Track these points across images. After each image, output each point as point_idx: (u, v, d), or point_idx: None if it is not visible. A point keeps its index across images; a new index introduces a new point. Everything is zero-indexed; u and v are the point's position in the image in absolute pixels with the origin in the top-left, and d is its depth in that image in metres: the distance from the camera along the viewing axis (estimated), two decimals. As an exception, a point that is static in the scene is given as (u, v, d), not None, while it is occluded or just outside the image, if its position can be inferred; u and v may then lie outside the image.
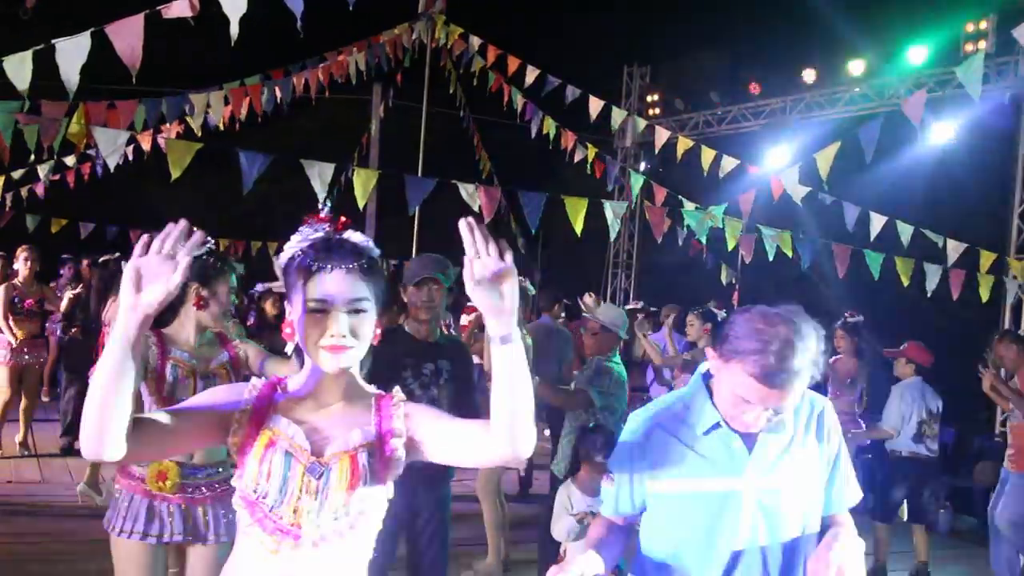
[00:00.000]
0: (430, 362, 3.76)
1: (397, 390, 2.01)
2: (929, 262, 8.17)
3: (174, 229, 1.64)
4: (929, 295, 8.13)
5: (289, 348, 1.95)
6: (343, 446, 1.87)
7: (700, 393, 2.13)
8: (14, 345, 7.65)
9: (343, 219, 1.91)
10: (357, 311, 1.84)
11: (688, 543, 2.08)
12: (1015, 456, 6.00)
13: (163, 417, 1.79)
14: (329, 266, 1.83)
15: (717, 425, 2.07)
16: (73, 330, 8.07)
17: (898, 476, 6.42)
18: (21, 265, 7.86)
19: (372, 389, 2.00)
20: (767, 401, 1.97)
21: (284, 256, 1.91)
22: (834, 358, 7.11)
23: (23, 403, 7.83)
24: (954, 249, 8.32)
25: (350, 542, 1.87)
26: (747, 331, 1.99)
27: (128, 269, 1.60)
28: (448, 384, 3.80)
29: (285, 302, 1.95)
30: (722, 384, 2.06)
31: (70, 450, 7.67)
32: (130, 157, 9.31)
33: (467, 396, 3.92)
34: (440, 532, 3.89)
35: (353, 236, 1.90)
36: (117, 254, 5.19)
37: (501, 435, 1.75)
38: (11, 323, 7.65)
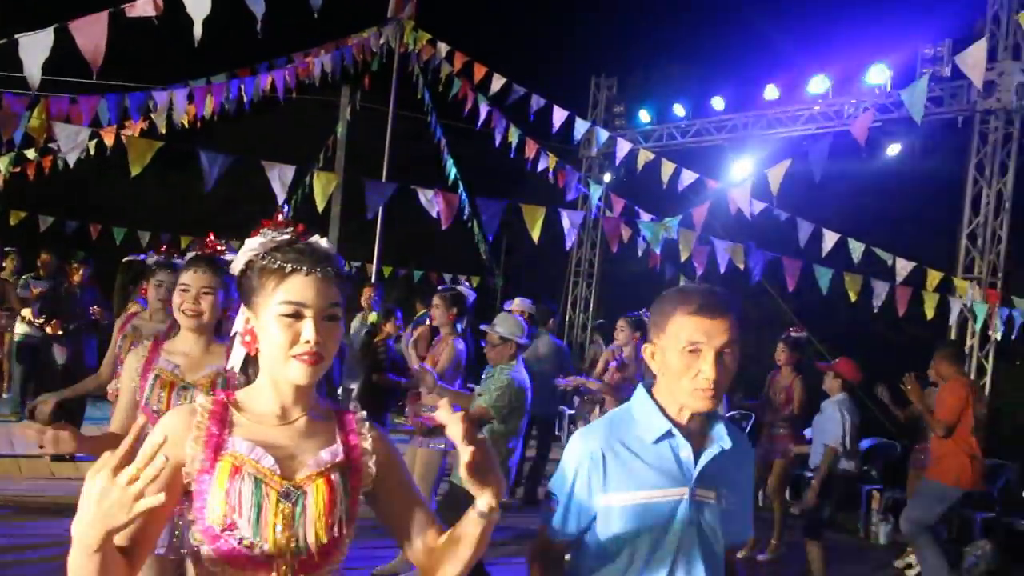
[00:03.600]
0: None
1: (356, 405, 1.92)
2: (879, 279, 8.38)
3: (146, 461, 1.42)
4: (876, 311, 8.35)
5: (236, 361, 1.84)
6: (315, 467, 1.74)
7: (646, 403, 2.11)
8: None
9: (300, 226, 1.81)
10: (331, 318, 1.73)
11: (629, 556, 2.04)
12: (930, 464, 6.33)
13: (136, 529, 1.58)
14: (304, 269, 1.72)
15: (669, 433, 2.05)
16: (42, 323, 8.09)
17: (829, 492, 6.45)
18: None
19: (328, 403, 1.88)
20: (714, 336, 1.98)
21: (243, 259, 1.79)
22: (773, 372, 7.27)
23: None
24: (903, 267, 8.53)
25: (326, 570, 1.74)
26: (667, 298, 2.07)
27: (91, 488, 1.42)
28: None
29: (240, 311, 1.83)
30: (666, 367, 2.05)
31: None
32: (91, 152, 9.29)
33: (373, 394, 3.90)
34: None
35: (321, 241, 1.81)
36: (144, 256, 5.14)
37: (428, 566, 1.79)
38: None
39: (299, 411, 1.78)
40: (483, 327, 5.10)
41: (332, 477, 1.74)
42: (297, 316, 1.69)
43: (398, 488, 1.85)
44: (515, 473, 4.93)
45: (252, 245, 1.78)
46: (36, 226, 11.57)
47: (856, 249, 8.38)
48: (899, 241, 9.51)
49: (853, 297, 8.26)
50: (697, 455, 2.05)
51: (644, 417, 2.09)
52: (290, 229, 1.78)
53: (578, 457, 2.06)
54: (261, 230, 1.79)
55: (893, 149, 10.36)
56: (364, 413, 1.89)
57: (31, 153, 9.98)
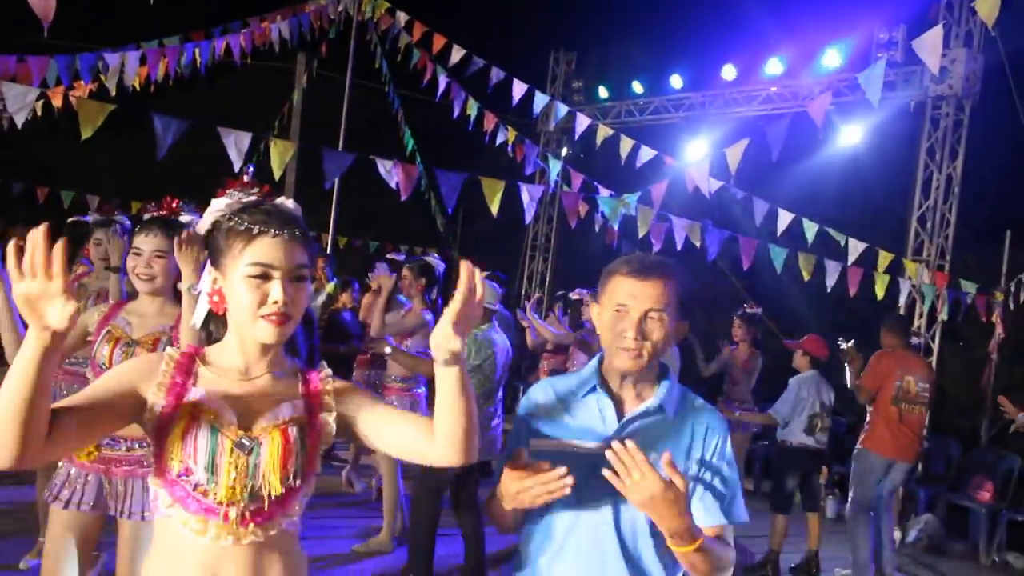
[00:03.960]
0: None
1: (323, 364, 1.94)
2: (832, 259, 8.51)
3: (36, 243, 1.41)
4: (828, 290, 8.48)
5: (198, 318, 1.89)
6: (272, 420, 1.78)
7: (590, 365, 2.18)
8: None
9: (266, 187, 1.84)
10: (299, 278, 1.77)
11: (561, 506, 2.04)
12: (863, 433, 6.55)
13: (75, 409, 1.63)
14: (272, 231, 1.75)
15: (594, 388, 2.10)
16: None
17: (790, 466, 6.65)
18: None
19: (296, 363, 1.92)
20: (640, 298, 2.02)
21: (209, 219, 1.81)
22: (730, 347, 7.37)
23: None
24: (855, 248, 8.67)
25: (280, 520, 1.79)
26: (612, 263, 2.15)
27: (19, 298, 1.42)
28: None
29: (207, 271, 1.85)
30: (602, 326, 2.10)
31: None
32: (39, 113, 9.04)
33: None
34: None
35: (287, 202, 1.84)
36: (89, 216, 4.95)
37: (449, 447, 1.77)
38: None
39: (263, 368, 1.84)
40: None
41: (289, 431, 1.78)
42: (265, 277, 1.74)
43: (370, 405, 1.89)
44: (500, 443, 4.95)
45: (218, 205, 1.81)
46: (-20, 188, 11.28)
47: (810, 229, 8.48)
48: (853, 223, 9.64)
49: (806, 276, 8.38)
50: (621, 418, 2.09)
51: (583, 374, 2.17)
52: (256, 190, 1.81)
53: (520, 407, 2.19)
54: (227, 191, 1.81)
55: (848, 132, 10.48)
56: (329, 371, 1.92)
57: (-25, 113, 9.68)
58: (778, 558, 6.52)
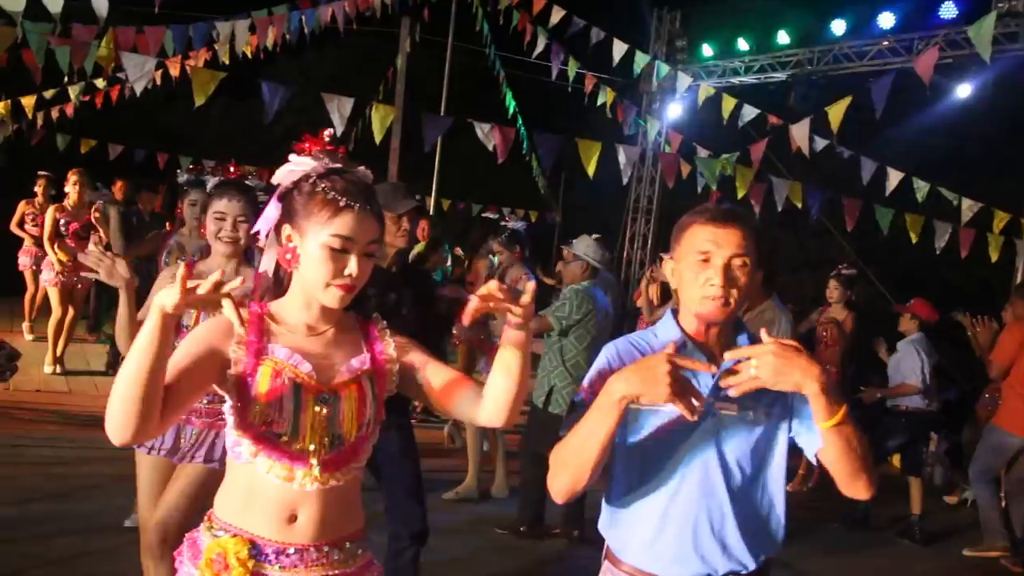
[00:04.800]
0: (393, 291, 3.71)
1: (378, 316, 2.04)
2: (942, 220, 8.23)
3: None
4: (938, 252, 8.21)
5: (268, 266, 1.96)
6: (347, 374, 1.89)
7: (667, 322, 2.14)
8: (57, 268, 7.90)
9: (343, 148, 1.93)
10: (370, 254, 1.86)
11: (660, 462, 2.04)
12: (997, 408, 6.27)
13: (171, 385, 1.72)
14: (356, 205, 1.82)
15: (684, 345, 2.04)
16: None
17: (899, 429, 6.54)
18: (70, 188, 7.96)
19: (354, 315, 2.01)
20: (723, 245, 2.01)
21: (291, 176, 1.88)
22: (821, 308, 7.21)
23: (65, 323, 7.90)
24: (968, 208, 8.36)
25: (354, 467, 1.92)
26: (686, 214, 2.13)
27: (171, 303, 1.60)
28: (412, 310, 3.80)
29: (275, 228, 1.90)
30: (681, 279, 2.07)
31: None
32: (158, 82, 9.46)
33: (429, 323, 4.02)
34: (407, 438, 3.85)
35: (367, 173, 1.92)
36: (181, 176, 5.12)
37: (495, 411, 1.91)
38: (55, 247, 7.87)
39: (327, 324, 1.93)
40: (563, 246, 5.25)
41: (363, 383, 1.91)
42: (344, 250, 1.81)
43: (425, 361, 2.00)
44: None
45: (302, 165, 1.87)
46: (106, 154, 11.87)
47: (921, 189, 8.22)
48: (967, 182, 9.25)
49: (914, 238, 8.13)
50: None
51: (663, 332, 2.12)
52: (340, 155, 1.89)
53: (601, 362, 2.09)
54: (312, 151, 1.88)
55: (963, 88, 10.01)
56: (385, 322, 2.04)
57: (100, 82, 10.19)
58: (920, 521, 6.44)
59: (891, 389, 6.60)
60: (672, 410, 1.94)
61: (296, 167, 1.88)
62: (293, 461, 1.82)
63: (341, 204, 1.80)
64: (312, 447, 1.83)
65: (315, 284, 1.83)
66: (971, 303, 6.91)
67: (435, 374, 1.99)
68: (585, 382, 2.09)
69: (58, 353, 7.92)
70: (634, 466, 2.08)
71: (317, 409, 1.83)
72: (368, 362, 1.94)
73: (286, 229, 1.87)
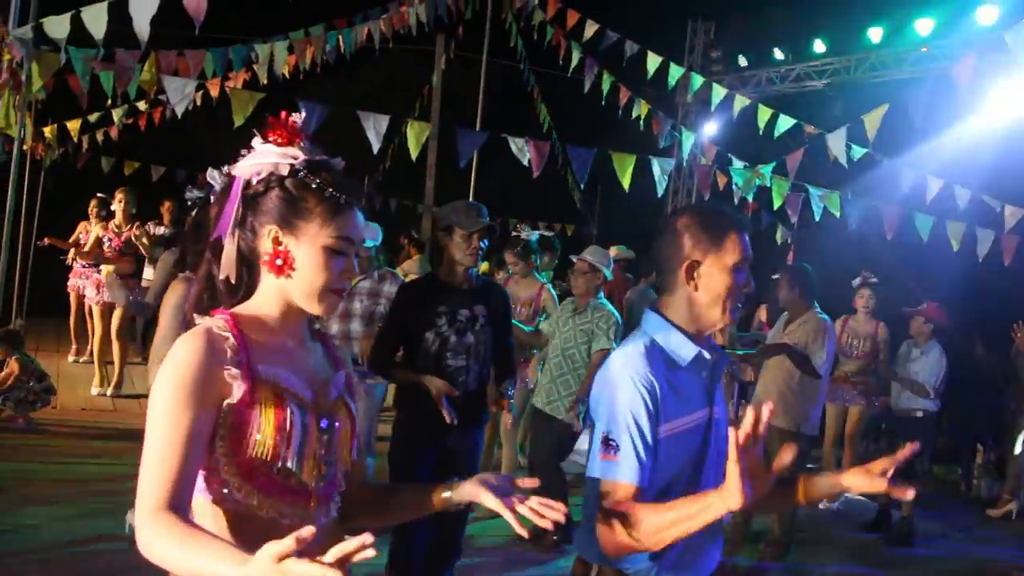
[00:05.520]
0: (465, 308, 3.81)
1: (327, 329, 1.93)
2: (982, 228, 8.11)
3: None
4: (981, 260, 8.09)
5: (229, 270, 1.63)
6: (336, 392, 1.70)
7: (666, 329, 2.04)
8: (105, 281, 7.95)
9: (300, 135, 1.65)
10: (360, 255, 1.76)
11: (677, 483, 1.99)
12: None
13: (190, 483, 1.49)
14: (354, 203, 1.63)
15: (700, 356, 2.02)
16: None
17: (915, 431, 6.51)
18: (116, 206, 8.07)
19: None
20: (746, 249, 2.04)
21: (265, 169, 1.61)
22: (846, 316, 7.15)
23: (114, 346, 7.84)
24: (1012, 215, 8.24)
25: (337, 494, 1.70)
26: (713, 216, 2.07)
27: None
28: (485, 328, 3.88)
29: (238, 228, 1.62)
30: (713, 285, 2.02)
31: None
32: (199, 103, 9.63)
33: (504, 339, 4.08)
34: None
35: (340, 161, 1.69)
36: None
37: (356, 512, 1.77)
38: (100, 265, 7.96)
39: (300, 334, 1.70)
40: (578, 257, 5.29)
41: (348, 402, 1.72)
42: (342, 252, 1.61)
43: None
44: None
45: (274, 156, 1.62)
46: (149, 175, 12.10)
47: (962, 196, 8.12)
48: (1009, 192, 9.09)
49: (955, 246, 8.02)
50: (711, 374, 2.08)
51: (674, 344, 2.03)
52: (315, 146, 1.65)
53: (633, 393, 1.93)
54: (284, 139, 1.62)
55: (1005, 94, 9.84)
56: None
57: (142, 105, 10.40)
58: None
59: (909, 381, 6.52)
60: (686, 427, 1.99)
61: (267, 159, 1.62)
62: (296, 497, 1.58)
63: (342, 202, 1.60)
64: (312, 479, 1.60)
65: (308, 291, 1.60)
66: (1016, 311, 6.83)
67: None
68: (622, 422, 1.92)
69: (106, 372, 7.91)
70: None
71: (320, 436, 1.61)
72: (343, 379, 1.75)
73: (271, 231, 1.60)
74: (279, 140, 1.62)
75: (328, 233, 1.59)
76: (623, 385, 1.94)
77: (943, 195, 8.15)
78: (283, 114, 1.64)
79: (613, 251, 7.42)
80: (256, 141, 1.63)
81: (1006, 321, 6.76)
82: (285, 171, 1.61)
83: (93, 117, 10.51)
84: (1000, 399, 9.07)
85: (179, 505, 1.44)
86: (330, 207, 1.60)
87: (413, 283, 4.64)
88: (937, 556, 6.30)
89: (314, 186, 1.60)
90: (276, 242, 1.60)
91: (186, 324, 1.64)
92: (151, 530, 1.40)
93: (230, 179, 1.65)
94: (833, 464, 7.28)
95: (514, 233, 6.47)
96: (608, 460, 1.90)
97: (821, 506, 6.77)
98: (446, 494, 1.72)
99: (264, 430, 1.52)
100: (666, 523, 1.81)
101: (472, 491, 1.68)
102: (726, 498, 1.71)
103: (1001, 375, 7.62)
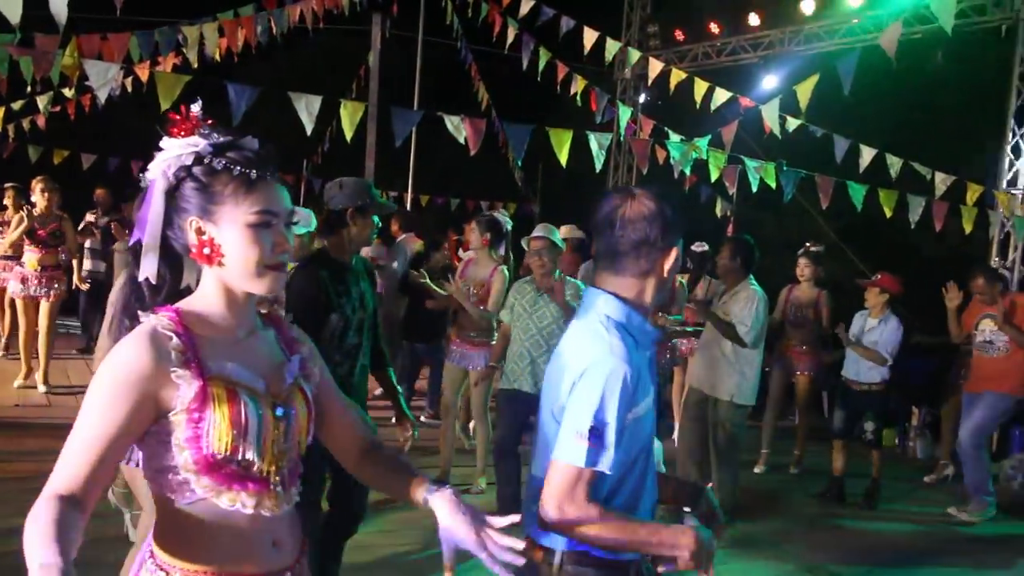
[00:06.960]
0: (355, 286, 3.74)
1: (276, 308, 1.84)
2: (914, 194, 8.27)
3: None
4: (913, 226, 8.25)
5: (151, 271, 1.64)
6: (290, 379, 1.71)
7: (627, 311, 2.01)
8: (29, 273, 7.71)
9: (210, 119, 1.66)
10: (290, 224, 1.66)
11: (637, 464, 2.02)
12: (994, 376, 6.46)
13: (95, 476, 1.49)
14: (268, 175, 1.61)
15: (658, 335, 2.09)
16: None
17: (859, 402, 6.67)
18: (38, 196, 7.75)
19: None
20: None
21: (177, 164, 1.60)
22: (789, 287, 7.26)
23: (40, 337, 7.59)
24: (942, 182, 8.41)
25: (299, 479, 1.75)
26: (668, 205, 2.05)
27: None
28: (369, 305, 3.78)
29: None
30: (668, 269, 2.05)
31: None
32: (128, 89, 9.39)
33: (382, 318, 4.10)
34: None
35: (252, 139, 1.66)
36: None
37: (361, 470, 1.89)
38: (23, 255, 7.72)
39: (250, 323, 1.71)
40: (532, 236, 5.25)
41: (303, 387, 1.74)
42: (267, 225, 1.60)
43: (328, 385, 1.86)
44: None
45: (183, 148, 1.61)
46: (79, 164, 11.79)
47: (894, 164, 8.26)
48: (939, 157, 9.29)
49: (888, 213, 8.18)
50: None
51: (636, 325, 2.02)
52: (220, 128, 1.64)
53: (617, 379, 1.89)
54: (193, 130, 1.62)
55: (933, 61, 10.06)
56: (290, 315, 1.87)
57: (68, 92, 10.10)
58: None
59: (866, 352, 6.62)
60: (647, 409, 2.01)
61: (170, 153, 1.62)
62: (258, 486, 1.61)
63: (253, 176, 1.59)
64: (272, 467, 1.63)
65: (245, 273, 1.60)
66: (948, 275, 6.97)
67: (334, 390, 1.89)
68: (598, 408, 1.90)
69: (32, 368, 7.68)
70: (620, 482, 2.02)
71: (276, 424, 1.64)
72: (298, 364, 1.75)
73: (192, 223, 1.61)
74: (182, 133, 1.62)
75: (246, 210, 1.59)
76: (606, 370, 1.90)
77: (874, 164, 8.28)
78: (183, 108, 1.64)
79: (564, 230, 7.41)
80: (164, 140, 1.63)
81: (937, 286, 6.89)
82: (190, 160, 1.61)
83: (17, 105, 10.20)
84: (935, 361, 9.32)
85: (76, 498, 1.45)
86: (241, 184, 1.60)
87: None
88: (874, 518, 6.45)
89: (220, 168, 1.60)
90: (199, 232, 1.61)
91: (131, 317, 1.66)
92: (33, 510, 1.41)
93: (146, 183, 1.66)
94: (774, 432, 7.42)
95: (487, 212, 6.44)
96: (583, 445, 1.87)
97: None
98: (420, 497, 1.75)
99: (220, 425, 1.55)
100: (623, 532, 1.93)
101: (442, 517, 1.70)
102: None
103: (940, 343, 7.78)
